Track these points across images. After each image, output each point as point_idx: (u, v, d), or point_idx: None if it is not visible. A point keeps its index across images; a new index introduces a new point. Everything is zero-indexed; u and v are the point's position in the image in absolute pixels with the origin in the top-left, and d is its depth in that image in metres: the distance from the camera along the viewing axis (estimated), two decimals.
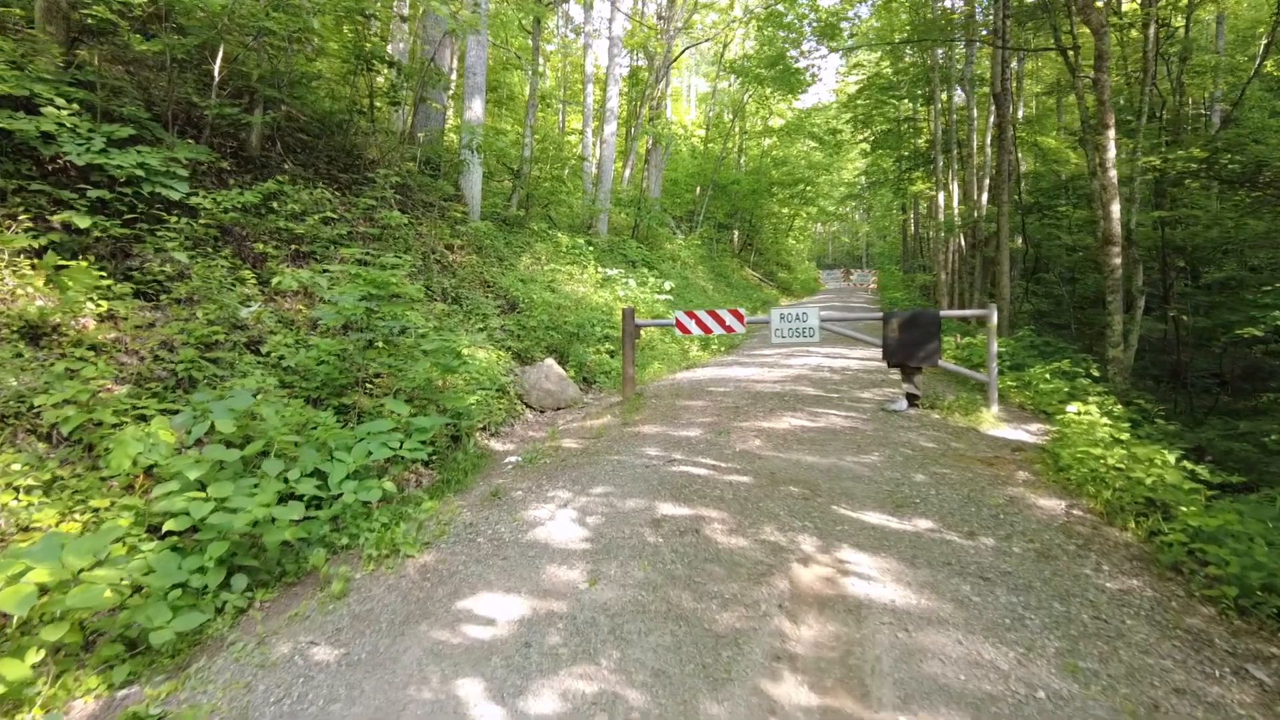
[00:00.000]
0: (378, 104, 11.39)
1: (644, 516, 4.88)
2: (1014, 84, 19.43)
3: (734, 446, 6.67)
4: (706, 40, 24.46)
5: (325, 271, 7.15)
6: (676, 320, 9.03)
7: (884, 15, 24.64)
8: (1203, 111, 19.10)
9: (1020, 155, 21.11)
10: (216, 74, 7.75)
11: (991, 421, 7.77)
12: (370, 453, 5.27)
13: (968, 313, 8.61)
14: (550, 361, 9.75)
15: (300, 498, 4.62)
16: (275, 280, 6.79)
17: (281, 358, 6.59)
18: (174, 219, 6.55)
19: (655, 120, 23.13)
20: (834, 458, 6.26)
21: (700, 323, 8.94)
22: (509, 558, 4.30)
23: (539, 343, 10.31)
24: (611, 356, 11.34)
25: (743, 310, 8.85)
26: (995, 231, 17.62)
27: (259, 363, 6.50)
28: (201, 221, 6.96)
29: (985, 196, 18.44)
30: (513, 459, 6.75)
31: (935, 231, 24.60)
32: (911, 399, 8.30)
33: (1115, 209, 10.94)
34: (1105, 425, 6.80)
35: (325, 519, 4.81)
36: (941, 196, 22.26)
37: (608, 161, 19.11)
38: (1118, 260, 11.09)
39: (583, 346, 10.97)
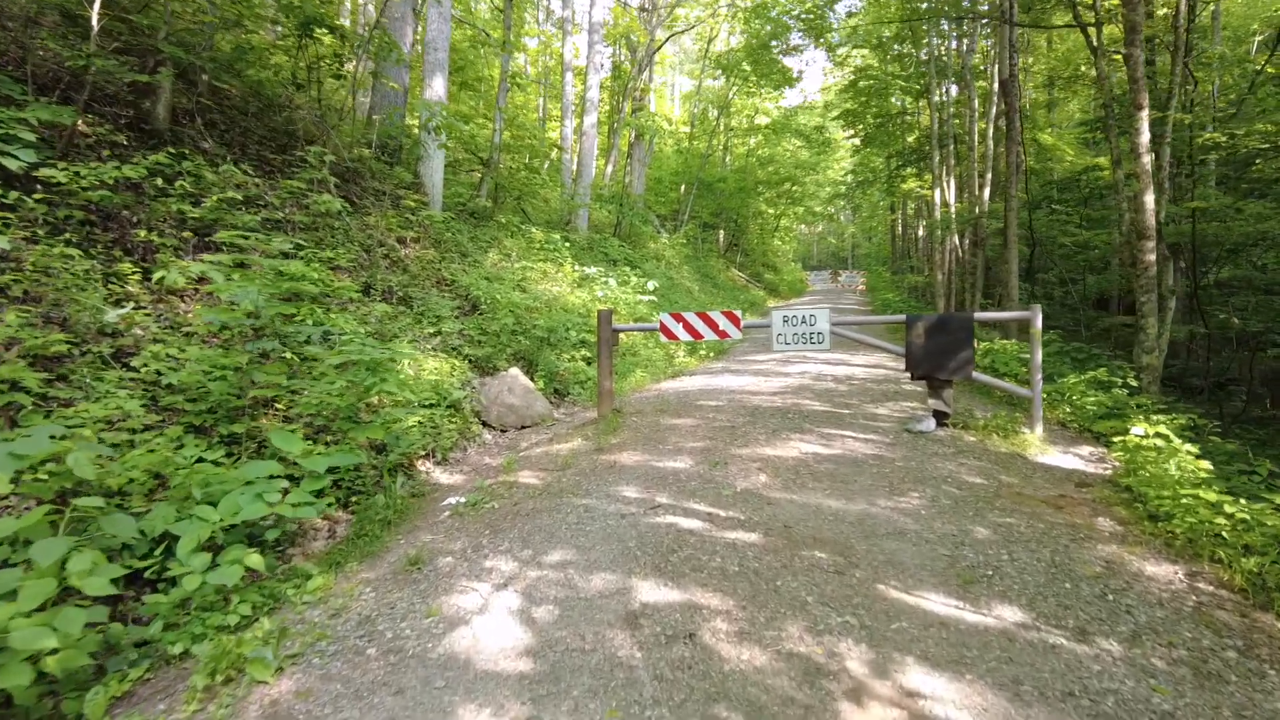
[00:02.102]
0: (324, 78, 9.82)
1: (615, 607, 3.37)
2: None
3: (733, 484, 5.17)
4: (690, 28, 22.96)
5: (218, 264, 5.58)
6: (661, 324, 7.53)
7: (874, 9, 23.26)
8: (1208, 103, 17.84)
9: (1024, 150, 19.77)
10: (95, 22, 6.18)
11: (1038, 445, 6.33)
12: (240, 509, 3.75)
13: (1006, 315, 7.13)
14: (515, 372, 8.22)
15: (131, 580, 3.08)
16: (157, 275, 5.23)
17: (159, 374, 5.05)
18: (14, 196, 4.99)
19: (638, 113, 21.61)
20: (863, 501, 4.77)
21: (689, 326, 7.45)
22: (405, 690, 2.78)
23: (502, 350, 8.77)
24: (588, 364, 9.83)
25: (738, 312, 7.37)
26: (999, 229, 16.27)
27: (130, 379, 4.96)
28: (73, 202, 5.42)
29: (987, 193, 17.06)
30: (454, 500, 5.22)
31: (930, 231, 23.25)
32: (940, 417, 6.85)
33: (1149, 199, 9.56)
34: (1187, 454, 5.40)
35: (167, 607, 3.29)
36: (937, 194, 20.89)
37: (588, 154, 17.59)
38: (1151, 257, 9.71)
39: (554, 353, 9.45)
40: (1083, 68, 18.72)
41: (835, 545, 4.04)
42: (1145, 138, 9.64)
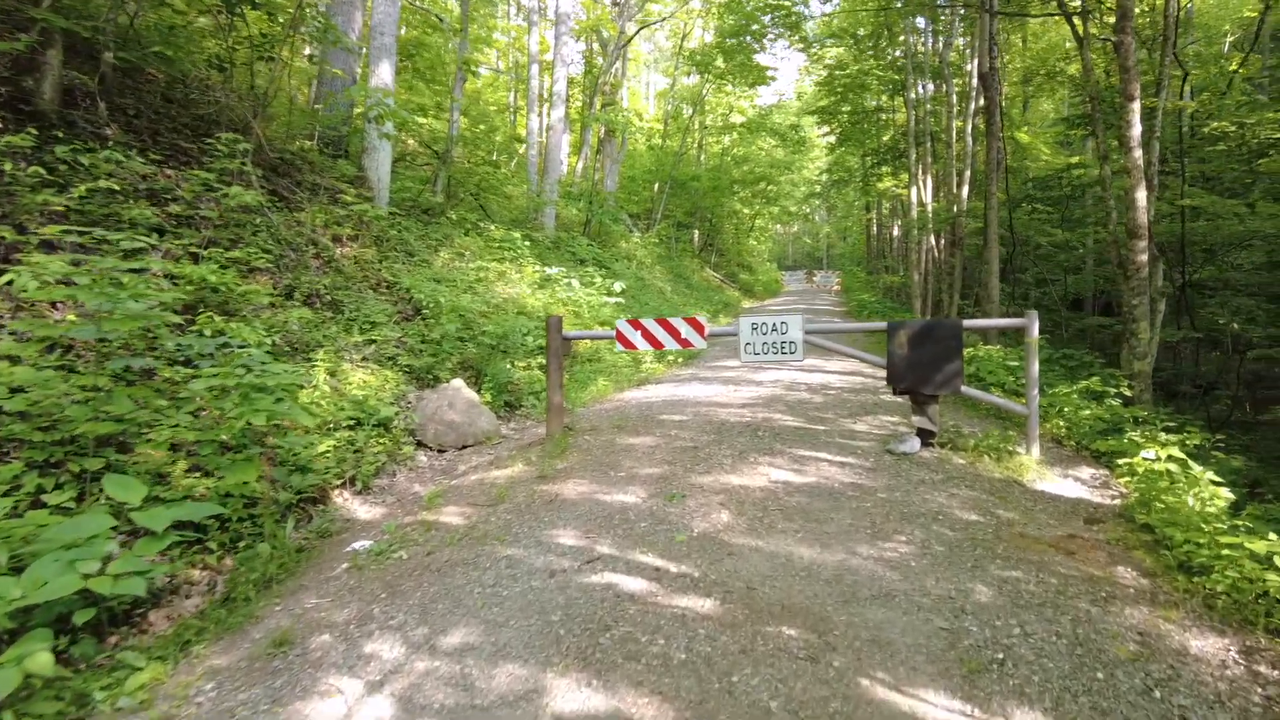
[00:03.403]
0: (252, 61, 8.85)
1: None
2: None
3: (690, 524, 4.34)
4: (663, 20, 22.10)
5: (82, 266, 4.64)
6: (618, 332, 6.68)
7: (849, 2, 22.54)
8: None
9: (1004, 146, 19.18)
10: None
11: (1035, 469, 5.56)
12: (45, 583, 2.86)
13: (1001, 322, 6.35)
14: (457, 384, 7.33)
15: None
16: (4, 279, 4.30)
17: None
18: None
19: (609, 107, 20.72)
20: (841, 549, 3.95)
21: (648, 335, 6.61)
22: None
23: (445, 359, 7.87)
24: (544, 372, 8.97)
25: (702, 319, 6.54)
26: (978, 228, 15.61)
27: None
28: None
29: (966, 190, 16.39)
30: (360, 545, 4.34)
31: (906, 230, 22.59)
32: (925, 436, 6.06)
33: (1141, 195, 8.88)
34: (1210, 483, 4.66)
35: None
36: (914, 192, 20.20)
37: (554, 149, 16.69)
38: (1143, 257, 9.03)
39: (505, 362, 8.57)
40: (1060, 64, 18.10)
41: (808, 616, 3.21)
42: (1137, 130, 8.94)
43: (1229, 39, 22.31)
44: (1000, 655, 2.91)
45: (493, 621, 3.22)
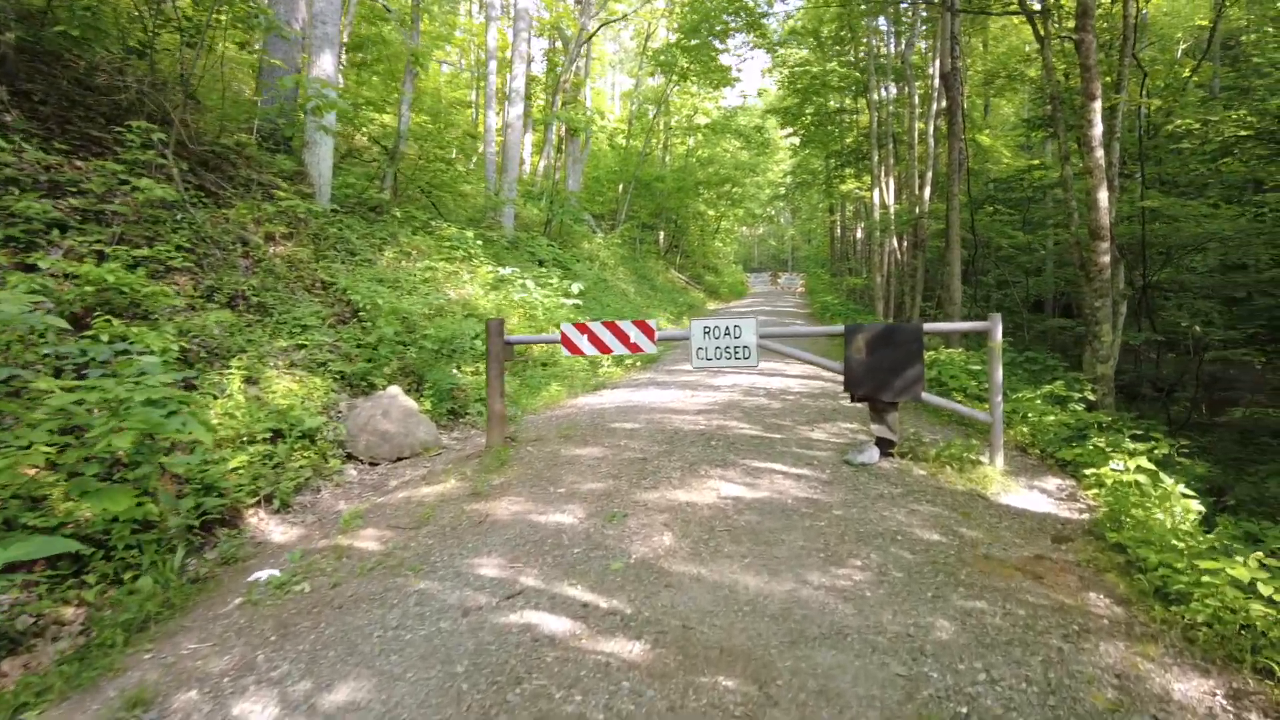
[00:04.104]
0: (175, 46, 8.26)
1: None
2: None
3: (629, 550, 3.92)
4: (623, 17, 21.66)
5: None
6: (562, 336, 6.26)
7: (812, 2, 22.36)
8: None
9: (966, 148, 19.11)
10: None
11: (999, 481, 5.25)
12: None
13: (963, 326, 6.02)
14: (394, 391, 6.84)
15: None
16: None
17: None
18: None
19: (570, 105, 20.25)
20: (791, 578, 3.56)
21: (595, 339, 6.19)
22: None
23: (382, 364, 7.37)
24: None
25: (652, 322, 6.13)
26: (940, 229, 15.45)
27: None
28: None
29: (928, 191, 16.22)
30: (262, 575, 3.86)
31: (869, 232, 22.47)
32: (884, 446, 5.72)
33: (1103, 196, 8.69)
34: (1181, 497, 4.39)
35: None
36: (876, 194, 20.03)
37: (512, 146, 16.18)
38: (1106, 258, 8.85)
39: (451, 366, 8.09)
40: (1020, 67, 18.06)
41: (749, 662, 2.81)
42: (1099, 130, 8.75)
43: (1181, 46, 22.60)
44: (964, 709, 2.54)
45: (388, 673, 2.77)
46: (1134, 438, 5.71)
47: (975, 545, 4.04)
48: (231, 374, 5.58)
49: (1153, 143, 10.54)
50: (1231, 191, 12.45)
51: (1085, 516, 4.73)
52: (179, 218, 6.83)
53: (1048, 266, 19.49)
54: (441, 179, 13.33)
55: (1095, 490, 5.08)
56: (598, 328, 6.19)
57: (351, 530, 4.51)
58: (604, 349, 6.18)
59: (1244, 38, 19.60)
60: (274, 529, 4.95)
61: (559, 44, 22.79)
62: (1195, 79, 14.46)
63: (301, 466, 5.68)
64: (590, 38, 20.07)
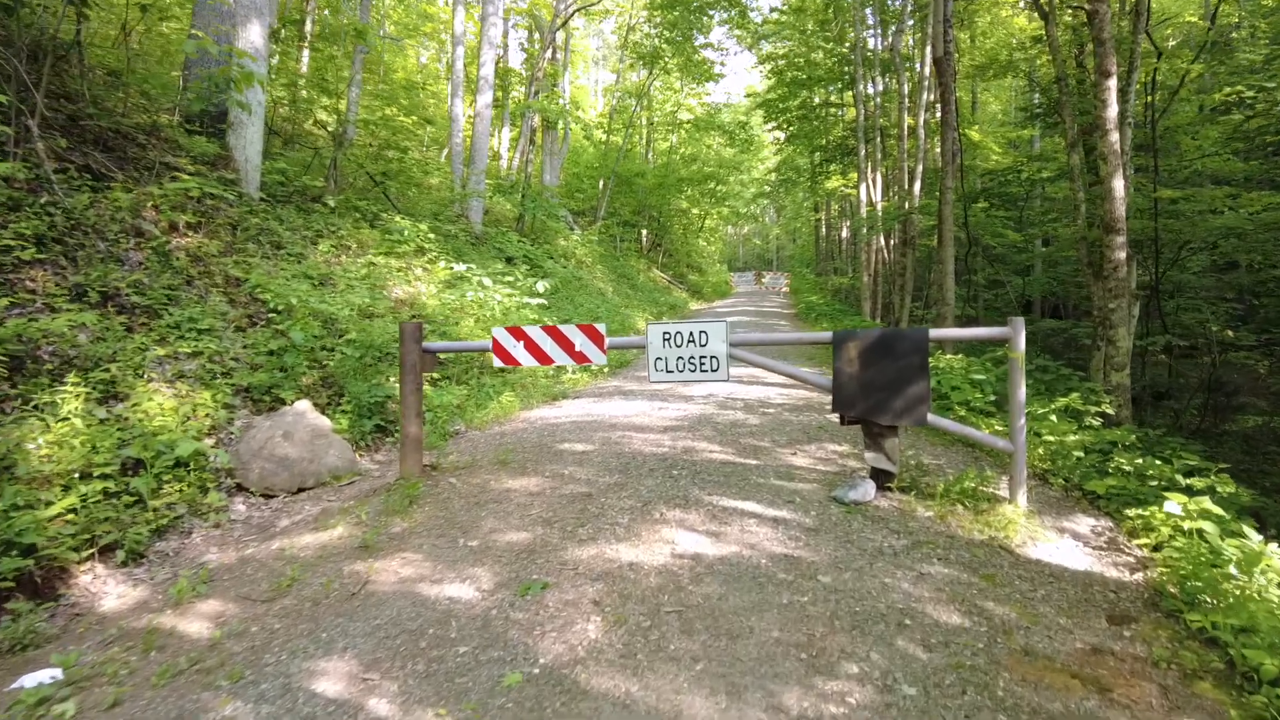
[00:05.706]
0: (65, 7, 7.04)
1: None
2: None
3: (535, 650, 2.78)
4: (596, 1, 20.45)
5: None
6: (494, 344, 5.11)
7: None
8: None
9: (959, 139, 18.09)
10: None
11: (1025, 526, 4.14)
12: None
13: (978, 332, 4.88)
14: (301, 407, 5.67)
15: None
16: None
17: None
18: None
19: (544, 95, 19.06)
20: (758, 702, 2.44)
21: (533, 346, 5.05)
22: None
23: (295, 375, 6.20)
24: (432, 386, 7.40)
25: (601, 328, 5.00)
26: (931, 226, 14.40)
27: None
28: None
29: (918, 186, 15.16)
30: (27, 681, 2.71)
31: (855, 230, 21.42)
32: (881, 479, 4.62)
33: (1118, 184, 7.64)
34: (1271, 561, 3.32)
35: None
36: (863, 190, 18.97)
37: (481, 137, 14.99)
38: (1122, 254, 7.80)
39: (381, 377, 6.92)
40: (1014, 54, 17.05)
41: None
42: (1114, 110, 7.70)
43: (1171, 43, 21.80)
44: None
45: None
46: (1188, 471, 4.62)
47: (1009, 632, 2.94)
48: (65, 393, 4.40)
49: (1168, 121, 9.49)
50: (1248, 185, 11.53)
51: (1139, 577, 3.63)
52: (43, 201, 5.64)
53: (1037, 267, 18.55)
54: (397, 167, 12.11)
55: (1144, 538, 4.00)
56: (536, 333, 5.05)
57: (185, 602, 3.35)
58: (544, 359, 5.04)
59: (1234, 35, 18.84)
60: (111, 591, 3.79)
61: (537, 35, 21.62)
62: (1195, 69, 13.54)
63: (171, 503, 4.52)
64: (565, 22, 18.89)
